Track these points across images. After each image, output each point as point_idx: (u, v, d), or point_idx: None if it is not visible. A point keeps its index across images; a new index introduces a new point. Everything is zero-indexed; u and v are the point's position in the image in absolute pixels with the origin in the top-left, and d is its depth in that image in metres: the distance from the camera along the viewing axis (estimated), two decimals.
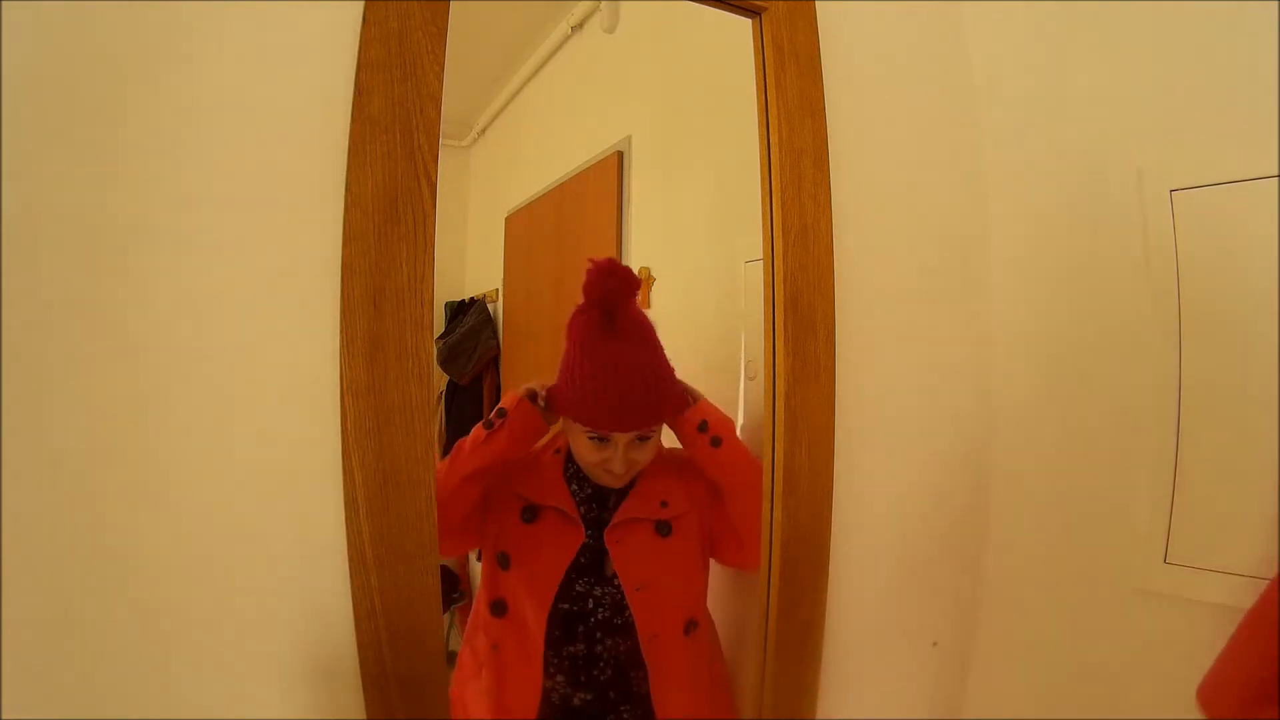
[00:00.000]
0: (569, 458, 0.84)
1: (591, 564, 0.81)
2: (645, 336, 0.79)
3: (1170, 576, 0.80)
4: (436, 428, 0.78)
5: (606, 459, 0.79)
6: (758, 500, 0.81)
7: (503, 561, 0.80)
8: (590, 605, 0.80)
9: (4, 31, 0.49)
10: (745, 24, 0.83)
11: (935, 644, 0.98)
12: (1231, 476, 0.76)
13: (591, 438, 0.79)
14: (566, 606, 0.80)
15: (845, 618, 0.88)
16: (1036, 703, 0.92)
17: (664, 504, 0.83)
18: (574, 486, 0.83)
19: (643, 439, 0.81)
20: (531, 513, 0.81)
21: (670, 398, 0.82)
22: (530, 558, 0.80)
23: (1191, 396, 0.79)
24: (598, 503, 0.84)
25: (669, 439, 0.86)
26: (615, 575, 0.81)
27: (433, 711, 0.62)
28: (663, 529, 0.83)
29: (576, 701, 0.80)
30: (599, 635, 0.80)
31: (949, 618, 0.99)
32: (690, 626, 0.84)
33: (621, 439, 0.79)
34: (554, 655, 0.79)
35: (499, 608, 0.80)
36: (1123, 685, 0.84)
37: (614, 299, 0.74)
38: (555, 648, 0.79)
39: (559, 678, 0.80)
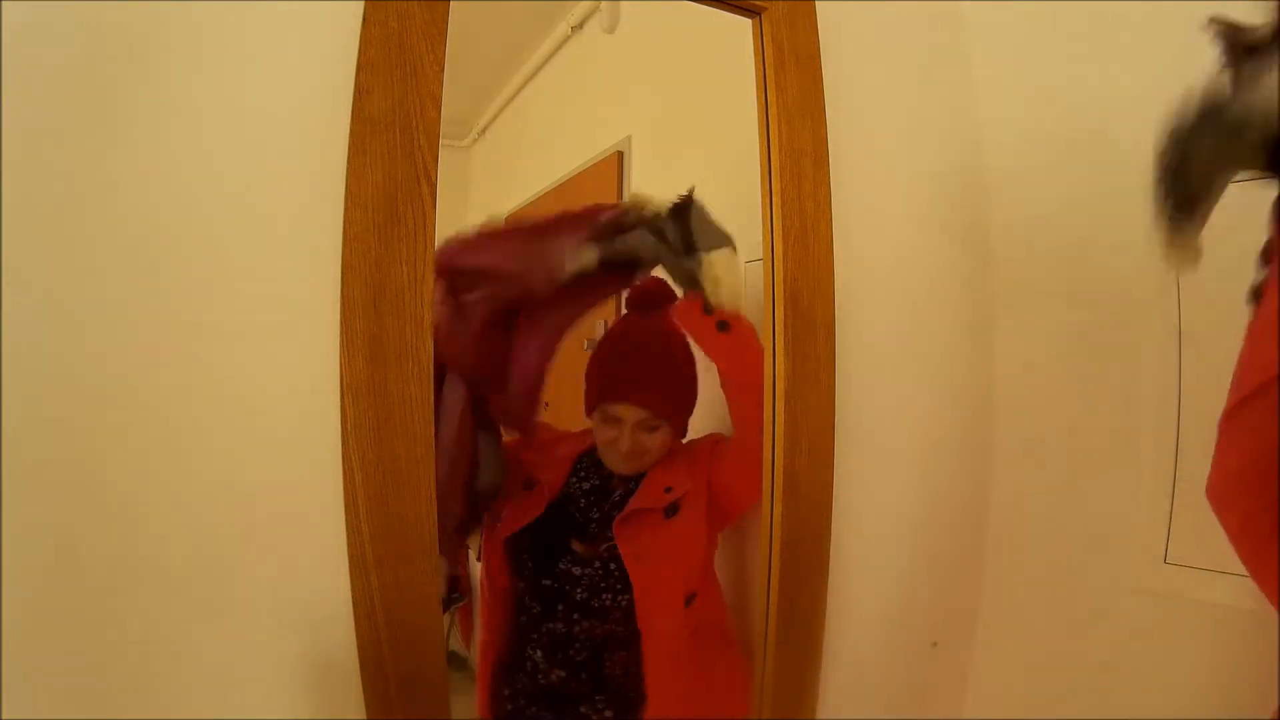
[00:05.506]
0: (583, 454, 0.88)
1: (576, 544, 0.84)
2: (670, 333, 0.86)
3: (1170, 576, 0.79)
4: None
5: (614, 439, 0.83)
6: (759, 398, 0.81)
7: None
8: (568, 586, 0.83)
9: (4, 31, 0.49)
10: (745, 24, 0.83)
11: (935, 644, 0.98)
12: None
13: (605, 417, 0.84)
14: (549, 583, 0.83)
15: (845, 618, 0.88)
16: (1036, 703, 0.92)
17: (668, 489, 0.85)
18: (578, 475, 0.87)
19: (651, 428, 0.83)
20: (529, 484, 0.86)
21: (677, 394, 0.86)
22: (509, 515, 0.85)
23: (1191, 397, 0.79)
24: (600, 495, 0.86)
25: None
26: (597, 558, 0.83)
27: (433, 711, 0.62)
28: (670, 512, 0.85)
29: (553, 678, 0.82)
30: (576, 616, 0.82)
31: (949, 618, 0.99)
32: (690, 599, 0.85)
33: (629, 419, 0.82)
34: (534, 630, 0.83)
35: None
36: (1123, 685, 0.84)
37: (646, 299, 0.87)
38: (536, 623, 0.83)
39: (538, 653, 0.83)
